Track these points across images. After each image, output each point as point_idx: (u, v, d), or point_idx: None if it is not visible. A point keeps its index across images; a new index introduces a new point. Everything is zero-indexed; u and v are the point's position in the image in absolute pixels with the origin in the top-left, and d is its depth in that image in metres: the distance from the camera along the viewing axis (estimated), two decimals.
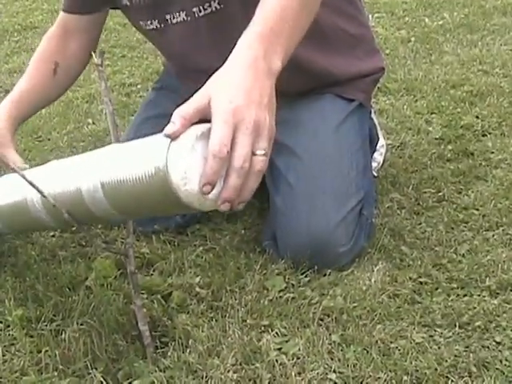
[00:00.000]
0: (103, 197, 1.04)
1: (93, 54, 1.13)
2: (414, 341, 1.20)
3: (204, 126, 0.95)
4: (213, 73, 0.97)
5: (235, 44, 1.00)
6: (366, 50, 1.62)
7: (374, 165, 1.79)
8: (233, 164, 0.89)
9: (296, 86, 1.49)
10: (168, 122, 0.91)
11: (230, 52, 0.99)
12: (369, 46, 1.64)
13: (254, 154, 0.90)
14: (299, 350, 1.19)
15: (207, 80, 0.96)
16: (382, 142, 1.84)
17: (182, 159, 0.92)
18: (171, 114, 0.91)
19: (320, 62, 1.52)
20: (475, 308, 1.28)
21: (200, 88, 0.95)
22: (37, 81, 1.58)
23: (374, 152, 1.74)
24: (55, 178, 1.17)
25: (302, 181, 1.45)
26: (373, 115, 1.76)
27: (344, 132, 1.51)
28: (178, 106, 0.93)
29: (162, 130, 0.93)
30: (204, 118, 0.92)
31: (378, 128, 1.87)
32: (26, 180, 1.13)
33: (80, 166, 1.13)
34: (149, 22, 1.52)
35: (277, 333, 1.24)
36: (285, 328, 1.25)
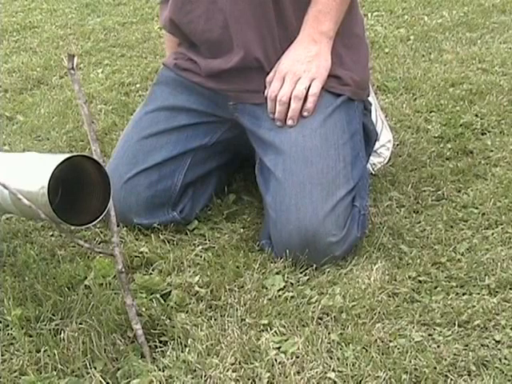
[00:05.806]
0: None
1: (63, 58, 1.14)
2: (413, 339, 1.20)
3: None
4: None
5: None
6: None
7: (380, 160, 1.79)
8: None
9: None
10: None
11: None
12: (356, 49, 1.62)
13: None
14: (298, 348, 1.19)
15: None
16: (389, 136, 1.85)
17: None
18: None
19: None
20: (474, 307, 1.28)
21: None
22: None
23: (371, 148, 1.73)
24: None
25: (288, 175, 1.47)
26: (373, 112, 1.75)
27: (330, 126, 1.52)
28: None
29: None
30: None
31: (386, 123, 1.87)
32: None
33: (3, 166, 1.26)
34: None
35: (276, 332, 1.24)
36: (284, 327, 1.25)
